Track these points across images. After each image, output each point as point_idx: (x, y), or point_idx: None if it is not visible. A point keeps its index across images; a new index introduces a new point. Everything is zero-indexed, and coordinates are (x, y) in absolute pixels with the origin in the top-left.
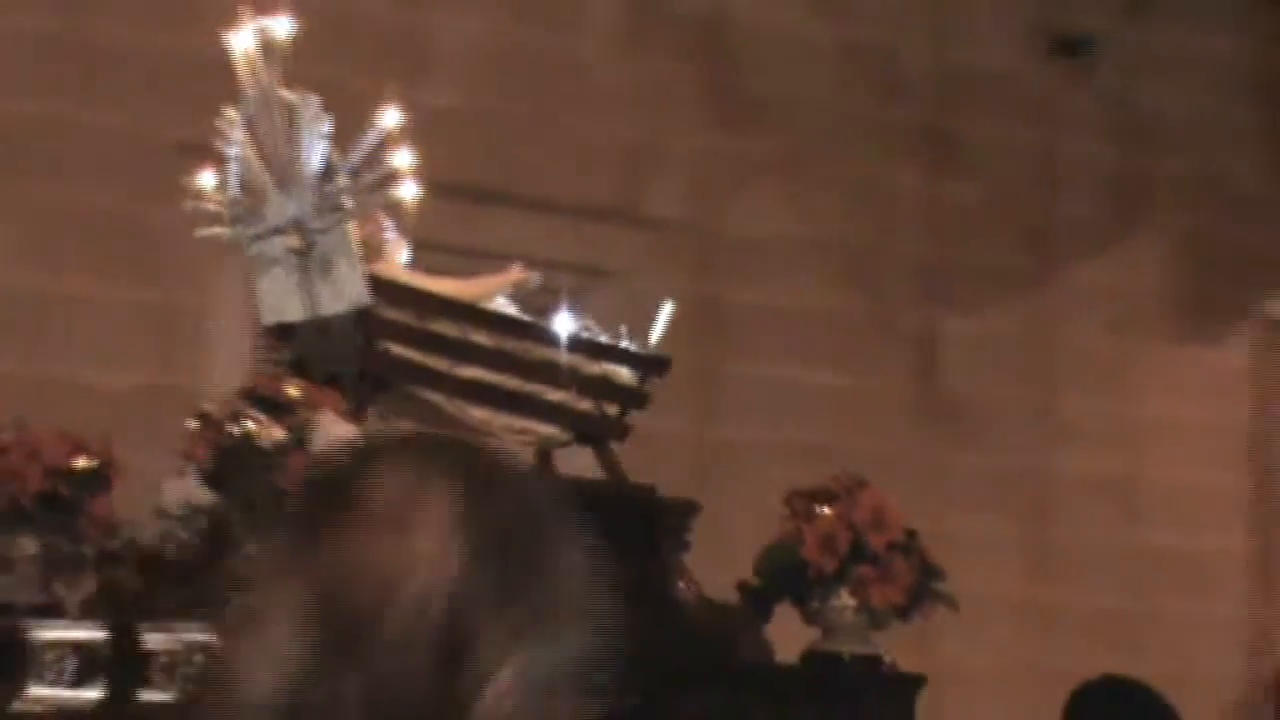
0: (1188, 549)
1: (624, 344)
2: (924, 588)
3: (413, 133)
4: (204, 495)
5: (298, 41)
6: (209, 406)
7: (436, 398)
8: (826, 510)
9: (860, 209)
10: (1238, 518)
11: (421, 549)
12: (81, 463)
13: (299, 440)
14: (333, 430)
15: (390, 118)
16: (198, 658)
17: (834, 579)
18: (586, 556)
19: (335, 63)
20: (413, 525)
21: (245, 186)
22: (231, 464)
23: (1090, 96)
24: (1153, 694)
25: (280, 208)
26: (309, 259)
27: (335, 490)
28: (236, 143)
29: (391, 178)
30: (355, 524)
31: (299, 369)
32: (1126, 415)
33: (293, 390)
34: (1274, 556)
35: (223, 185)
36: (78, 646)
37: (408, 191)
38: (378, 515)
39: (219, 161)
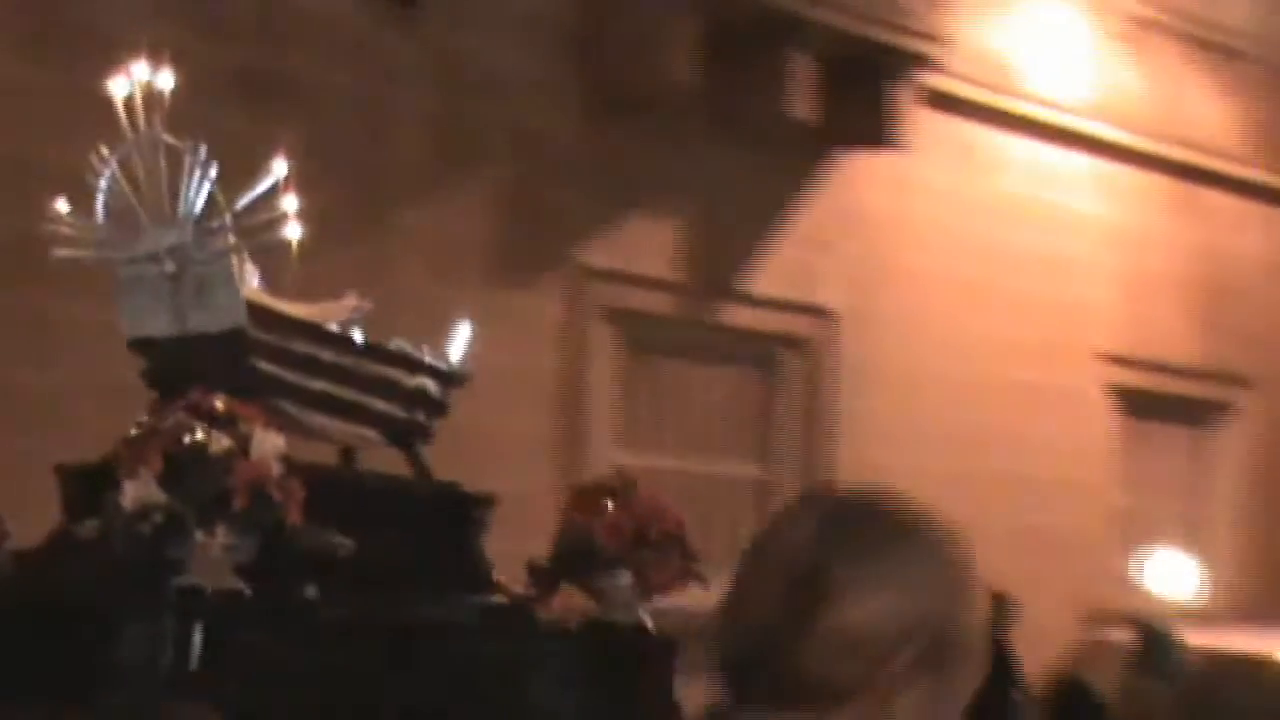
0: (501, 491)
1: (430, 360)
2: (687, 569)
3: None
4: (159, 496)
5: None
6: (148, 418)
7: (290, 407)
8: (610, 503)
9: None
10: (547, 460)
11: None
12: None
13: (243, 449)
14: (267, 441)
15: (280, 166)
16: None
17: (618, 561)
18: (923, 552)
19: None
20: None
21: (116, 217)
22: (185, 470)
23: (417, 45)
24: None
25: (155, 238)
26: (182, 283)
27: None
28: (107, 177)
29: (278, 221)
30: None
31: (158, 381)
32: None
33: (224, 405)
34: None
35: (82, 212)
36: None
37: (293, 233)
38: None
39: (80, 190)
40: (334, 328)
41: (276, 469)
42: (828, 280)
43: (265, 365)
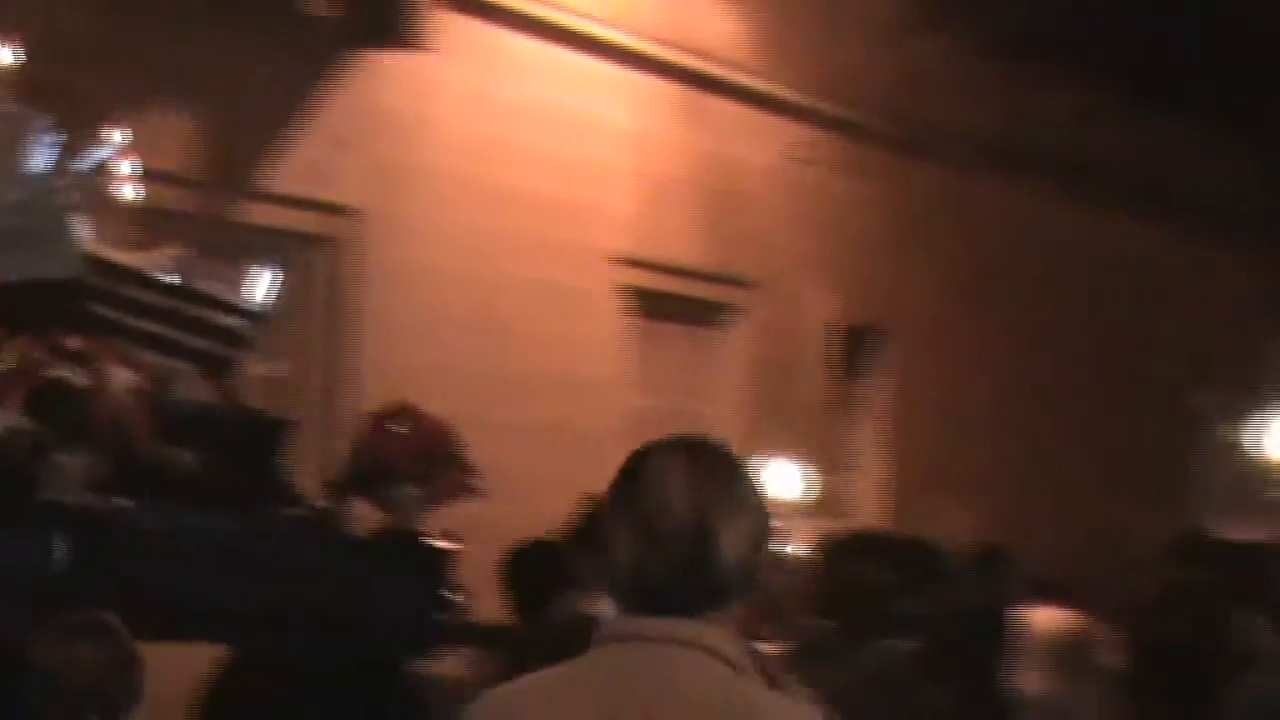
0: None
1: (240, 303)
2: (467, 482)
3: None
4: (26, 424)
5: None
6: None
7: (121, 344)
8: (398, 425)
9: None
10: None
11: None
12: None
13: (100, 383)
14: (119, 375)
15: (119, 135)
16: None
17: (411, 475)
18: (748, 484)
19: None
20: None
21: None
22: (51, 401)
23: None
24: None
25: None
26: (25, 234)
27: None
28: None
29: (115, 181)
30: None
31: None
32: None
33: (79, 344)
34: None
35: None
36: None
37: (129, 193)
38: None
39: None
40: (157, 275)
41: (128, 400)
42: (350, 178)
43: (99, 308)
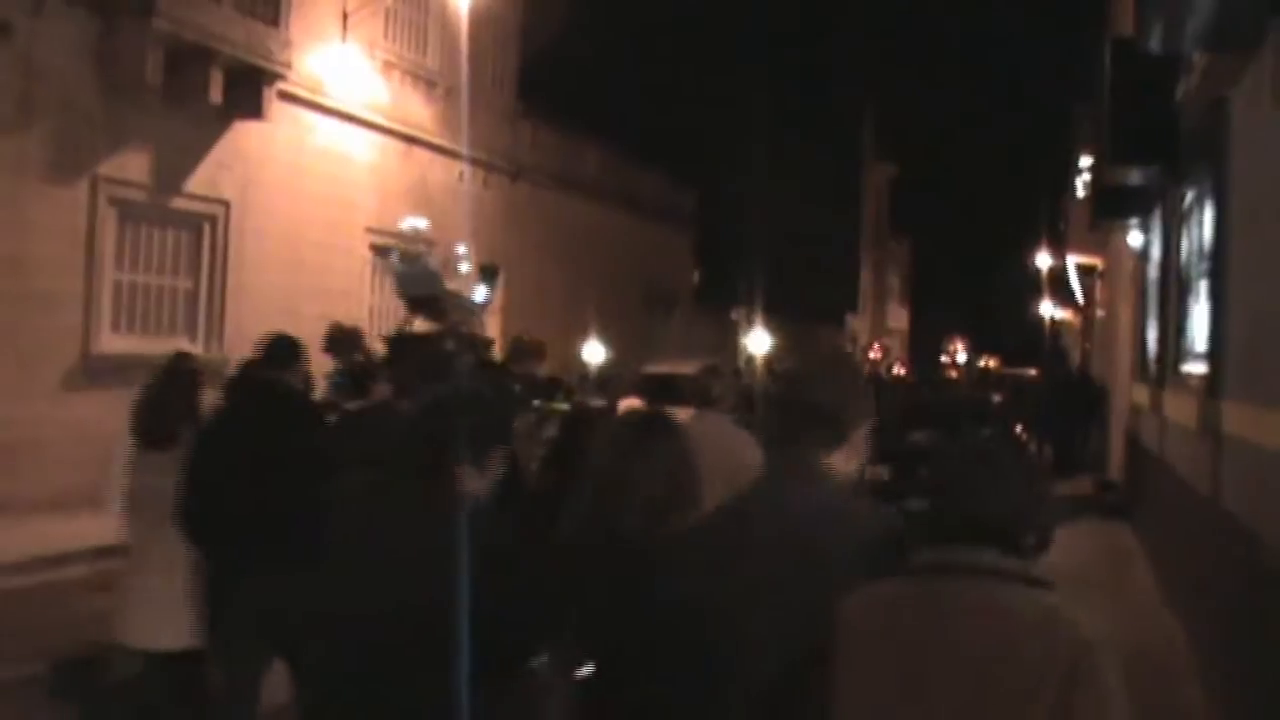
0: None
1: (478, 301)
2: None
3: None
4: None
5: None
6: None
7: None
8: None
9: None
10: None
11: None
12: None
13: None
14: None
15: (461, 248)
16: None
17: None
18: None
19: None
20: None
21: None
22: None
23: None
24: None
25: (432, 280)
26: (426, 280)
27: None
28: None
29: (457, 263)
30: None
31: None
32: None
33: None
34: None
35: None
36: None
37: (464, 268)
38: None
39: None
40: (457, 291)
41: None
42: (229, 186)
43: (444, 305)
